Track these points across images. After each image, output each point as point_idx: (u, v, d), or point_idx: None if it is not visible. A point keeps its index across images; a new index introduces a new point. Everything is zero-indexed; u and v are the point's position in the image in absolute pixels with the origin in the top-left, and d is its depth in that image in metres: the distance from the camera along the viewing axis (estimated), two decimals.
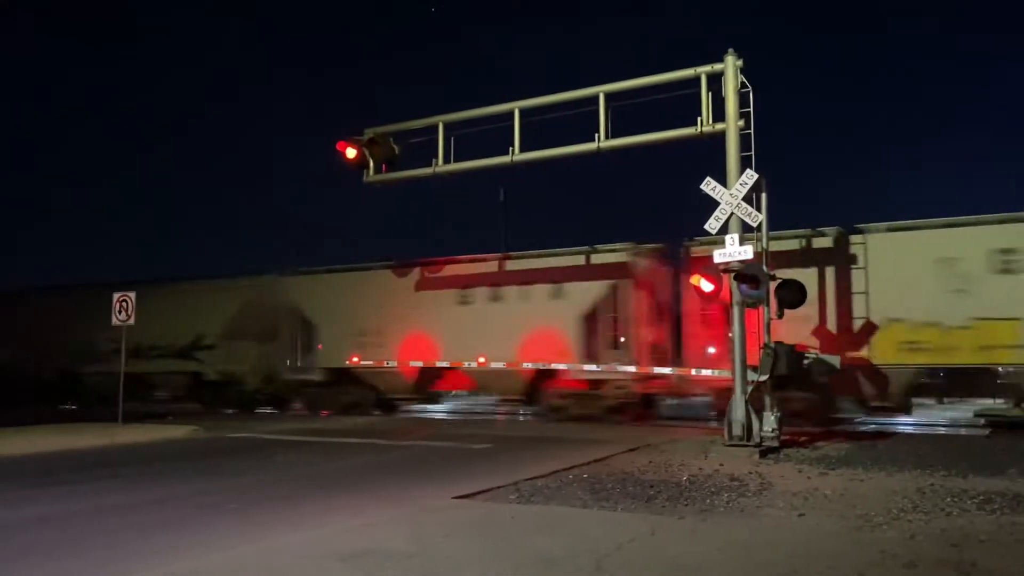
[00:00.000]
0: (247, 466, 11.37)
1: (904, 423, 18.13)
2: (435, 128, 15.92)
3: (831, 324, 16.07)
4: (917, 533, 6.37)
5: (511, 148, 15.13)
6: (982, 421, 17.69)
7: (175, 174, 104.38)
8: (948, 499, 7.87)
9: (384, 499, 8.37)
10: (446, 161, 15.96)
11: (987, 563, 5.42)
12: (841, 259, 16.29)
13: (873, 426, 17.13)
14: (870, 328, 15.96)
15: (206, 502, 8.30)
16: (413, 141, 16.54)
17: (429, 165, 16.15)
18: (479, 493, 8.46)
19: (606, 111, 14.22)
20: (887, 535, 6.32)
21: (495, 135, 15.57)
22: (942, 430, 17.65)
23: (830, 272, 16.21)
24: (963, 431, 17.16)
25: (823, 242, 16.59)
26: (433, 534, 6.47)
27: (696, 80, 13.46)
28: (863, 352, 15.97)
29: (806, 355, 12.67)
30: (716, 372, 16.45)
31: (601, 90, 14.17)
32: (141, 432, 15.67)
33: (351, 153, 16.24)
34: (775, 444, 12.12)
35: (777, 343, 12.28)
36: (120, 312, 17.02)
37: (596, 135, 14.19)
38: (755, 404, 12.20)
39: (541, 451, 12.61)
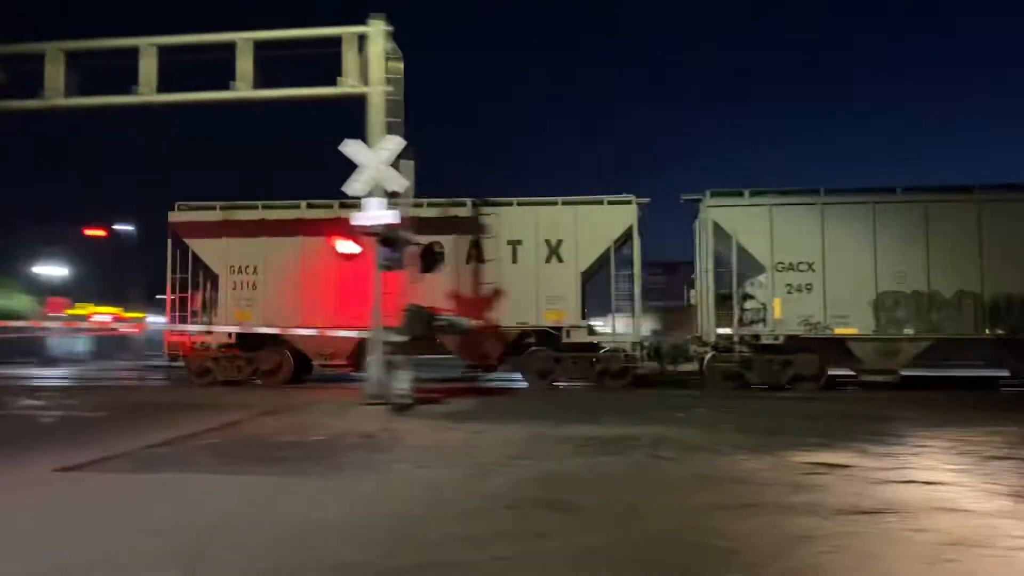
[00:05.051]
0: None
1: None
2: (46, 55, 13.96)
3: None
4: (522, 478, 7.04)
5: (135, 87, 13.78)
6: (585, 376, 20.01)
7: None
8: (552, 446, 8.81)
9: None
10: (68, 94, 14.11)
11: (576, 499, 6.14)
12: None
13: (499, 383, 18.58)
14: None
15: None
16: (24, 68, 14.42)
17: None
18: (89, 464, 7.71)
19: (254, 60, 13.55)
20: (496, 481, 6.90)
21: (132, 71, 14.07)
22: (560, 385, 19.66)
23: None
24: (579, 386, 19.26)
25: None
26: (25, 511, 5.77)
27: (348, 39, 13.37)
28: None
29: (439, 317, 13.36)
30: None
31: (241, 36, 13.45)
32: None
33: None
34: (409, 401, 12.63)
35: (414, 305, 12.79)
36: None
37: (234, 83, 13.46)
38: (392, 363, 12.62)
39: (169, 417, 11.81)
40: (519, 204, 17.75)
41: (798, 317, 16.39)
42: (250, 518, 5.63)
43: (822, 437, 9.44)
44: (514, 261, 17.54)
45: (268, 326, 17.52)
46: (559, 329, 17.38)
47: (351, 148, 12.60)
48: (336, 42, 13.47)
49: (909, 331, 16.14)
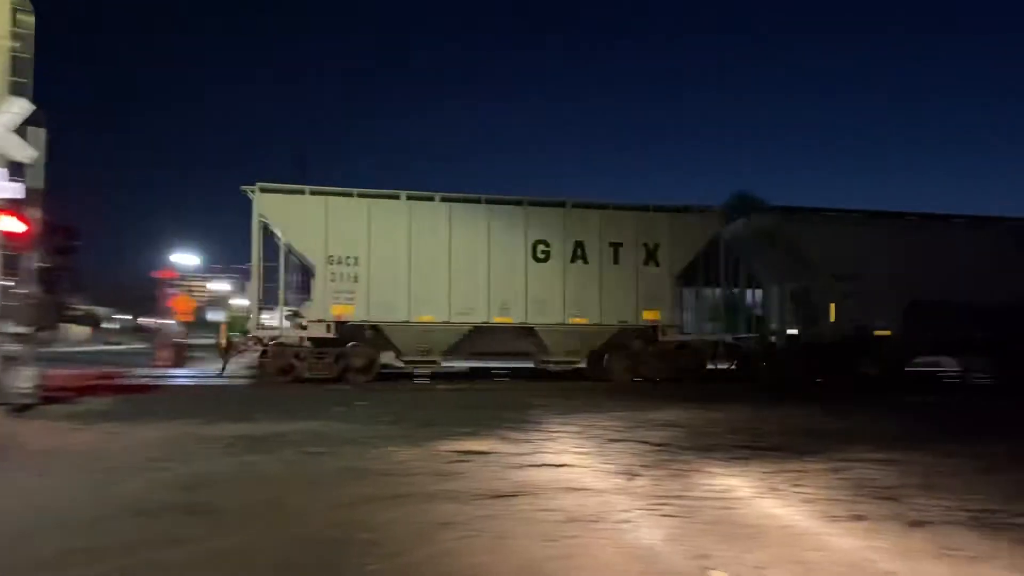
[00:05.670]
0: None
1: (179, 375, 18.64)
2: None
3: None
4: (159, 482, 6.51)
5: None
6: (248, 372, 19.33)
7: None
8: (197, 446, 8.29)
9: None
10: None
11: (218, 501, 5.83)
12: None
13: (146, 379, 17.20)
14: None
15: None
16: None
17: None
18: None
19: None
20: (129, 487, 6.32)
21: None
22: (215, 381, 18.65)
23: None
24: (239, 382, 18.41)
25: None
26: None
27: None
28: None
29: (75, 307, 12.00)
30: None
31: None
32: None
33: None
34: (33, 400, 11.18)
35: (42, 292, 11.34)
36: None
37: None
38: (12, 357, 11.07)
39: None
40: (615, 209, 18.88)
41: (849, 319, 18.65)
42: None
43: (470, 426, 9.98)
44: (615, 262, 18.56)
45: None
46: (655, 328, 18.67)
47: None
48: None
49: (930, 334, 19.00)
